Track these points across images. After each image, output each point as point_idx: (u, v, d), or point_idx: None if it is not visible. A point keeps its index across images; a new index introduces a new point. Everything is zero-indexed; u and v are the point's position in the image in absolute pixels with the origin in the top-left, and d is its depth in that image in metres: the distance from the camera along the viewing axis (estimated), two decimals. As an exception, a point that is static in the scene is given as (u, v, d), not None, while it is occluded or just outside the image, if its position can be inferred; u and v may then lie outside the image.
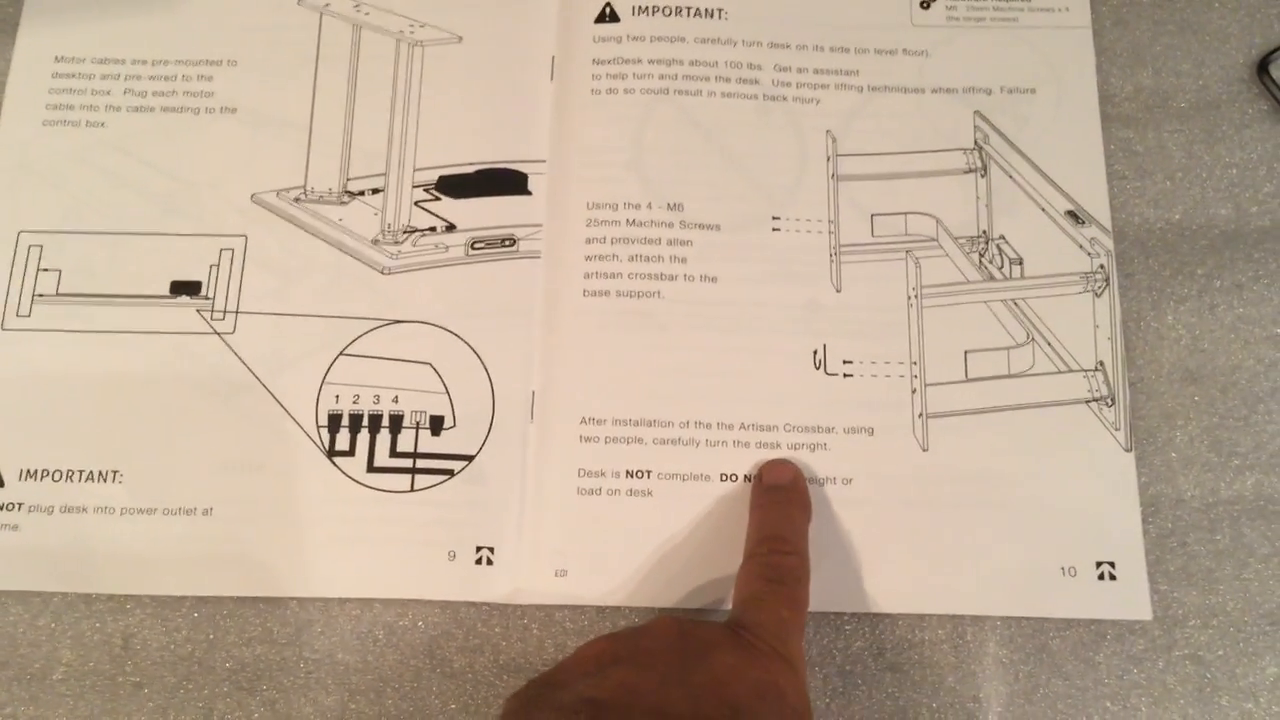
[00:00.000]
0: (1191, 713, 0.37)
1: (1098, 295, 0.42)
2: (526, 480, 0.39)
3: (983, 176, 0.43)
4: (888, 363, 0.41)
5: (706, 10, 0.44)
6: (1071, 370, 0.41)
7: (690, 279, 0.41)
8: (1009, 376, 0.41)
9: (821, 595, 0.38)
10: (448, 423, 0.40)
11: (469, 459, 0.39)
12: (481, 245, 0.42)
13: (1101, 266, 0.42)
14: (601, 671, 0.29)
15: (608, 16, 0.44)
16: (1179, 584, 0.39)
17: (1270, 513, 0.39)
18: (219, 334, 0.41)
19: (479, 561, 0.38)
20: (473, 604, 0.38)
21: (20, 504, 0.39)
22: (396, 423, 0.40)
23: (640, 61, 0.44)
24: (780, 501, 0.38)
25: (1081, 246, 0.42)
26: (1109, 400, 0.41)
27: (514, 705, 0.30)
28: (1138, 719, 0.37)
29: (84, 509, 0.39)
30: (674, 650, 0.30)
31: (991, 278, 0.42)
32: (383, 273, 0.41)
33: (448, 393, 0.40)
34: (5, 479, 0.39)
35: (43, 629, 0.38)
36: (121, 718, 0.37)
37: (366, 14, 0.44)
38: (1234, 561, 0.39)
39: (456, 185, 0.43)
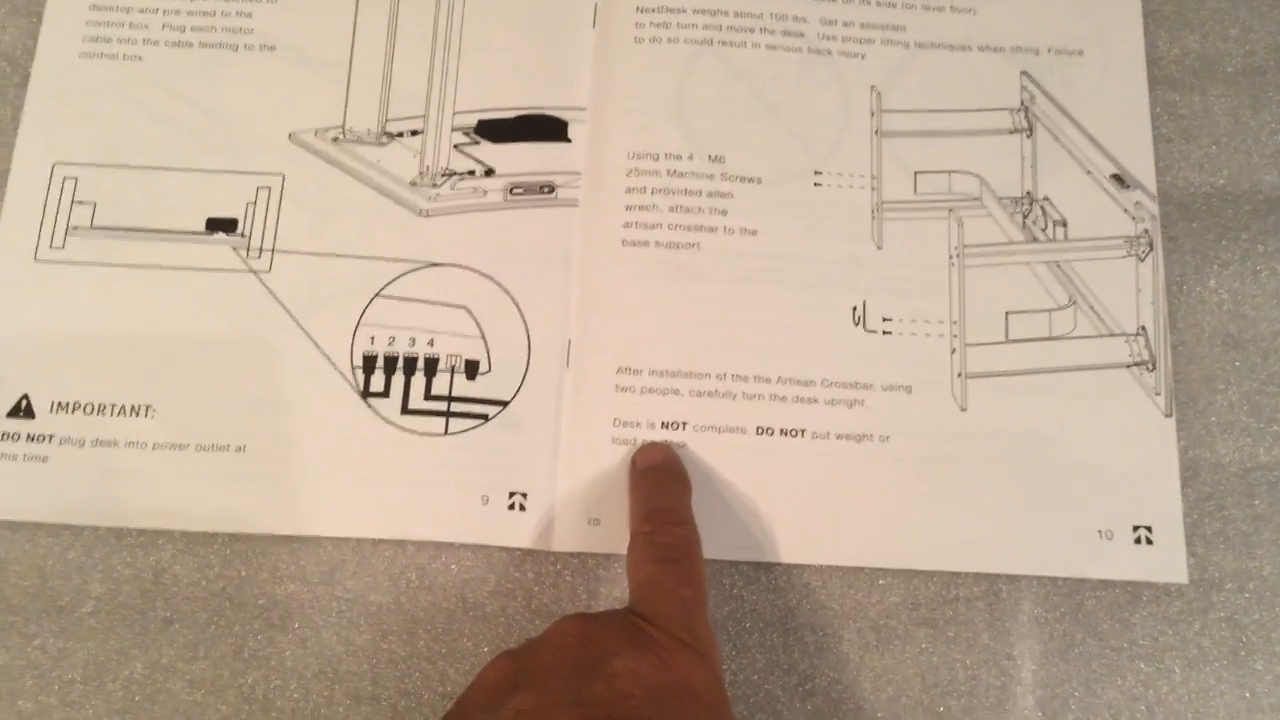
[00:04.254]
0: (1226, 675, 0.37)
1: (1141, 260, 0.41)
2: (561, 428, 0.39)
3: (1028, 137, 0.43)
4: (928, 321, 0.41)
5: (752, -39, 0.44)
6: (1113, 334, 0.41)
7: (730, 231, 0.41)
8: (1050, 339, 0.41)
9: (856, 550, 0.38)
10: (483, 367, 0.40)
11: (503, 404, 0.39)
12: (520, 191, 0.41)
13: (1145, 231, 0.41)
14: (499, 704, 0.29)
15: (652, -36, 0.44)
16: (1216, 548, 0.38)
17: (1309, 480, 0.39)
18: (254, 272, 0.40)
19: (512, 507, 0.38)
20: (505, 549, 0.38)
21: (51, 435, 0.38)
22: (432, 366, 0.39)
23: (684, 11, 0.43)
24: (657, 480, 0.37)
25: (1126, 210, 0.42)
26: (1150, 365, 0.40)
27: None
28: (1172, 680, 0.37)
29: (115, 443, 0.38)
30: (571, 662, 0.29)
31: (1035, 239, 0.42)
32: (420, 215, 0.41)
33: (483, 337, 0.40)
34: (37, 410, 0.38)
35: (73, 562, 0.38)
36: (152, 652, 0.37)
37: (408, -45, 0.44)
38: (1272, 526, 0.39)
39: (496, 130, 0.42)
